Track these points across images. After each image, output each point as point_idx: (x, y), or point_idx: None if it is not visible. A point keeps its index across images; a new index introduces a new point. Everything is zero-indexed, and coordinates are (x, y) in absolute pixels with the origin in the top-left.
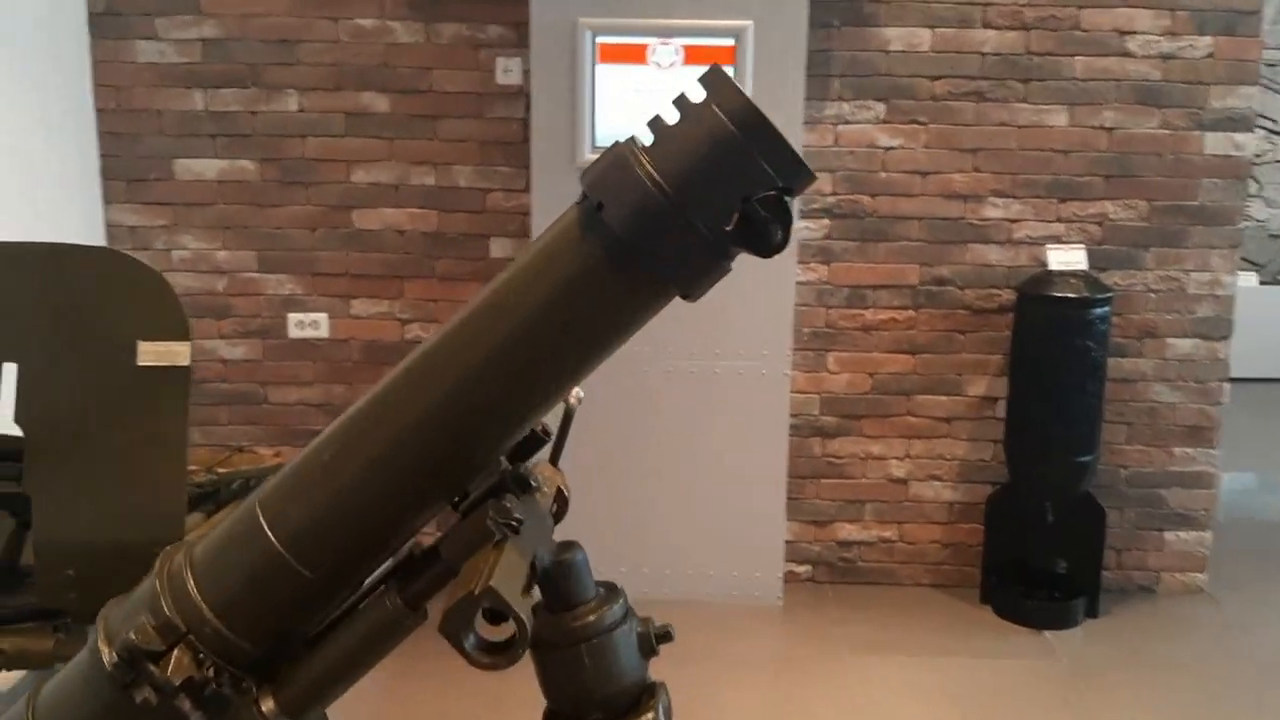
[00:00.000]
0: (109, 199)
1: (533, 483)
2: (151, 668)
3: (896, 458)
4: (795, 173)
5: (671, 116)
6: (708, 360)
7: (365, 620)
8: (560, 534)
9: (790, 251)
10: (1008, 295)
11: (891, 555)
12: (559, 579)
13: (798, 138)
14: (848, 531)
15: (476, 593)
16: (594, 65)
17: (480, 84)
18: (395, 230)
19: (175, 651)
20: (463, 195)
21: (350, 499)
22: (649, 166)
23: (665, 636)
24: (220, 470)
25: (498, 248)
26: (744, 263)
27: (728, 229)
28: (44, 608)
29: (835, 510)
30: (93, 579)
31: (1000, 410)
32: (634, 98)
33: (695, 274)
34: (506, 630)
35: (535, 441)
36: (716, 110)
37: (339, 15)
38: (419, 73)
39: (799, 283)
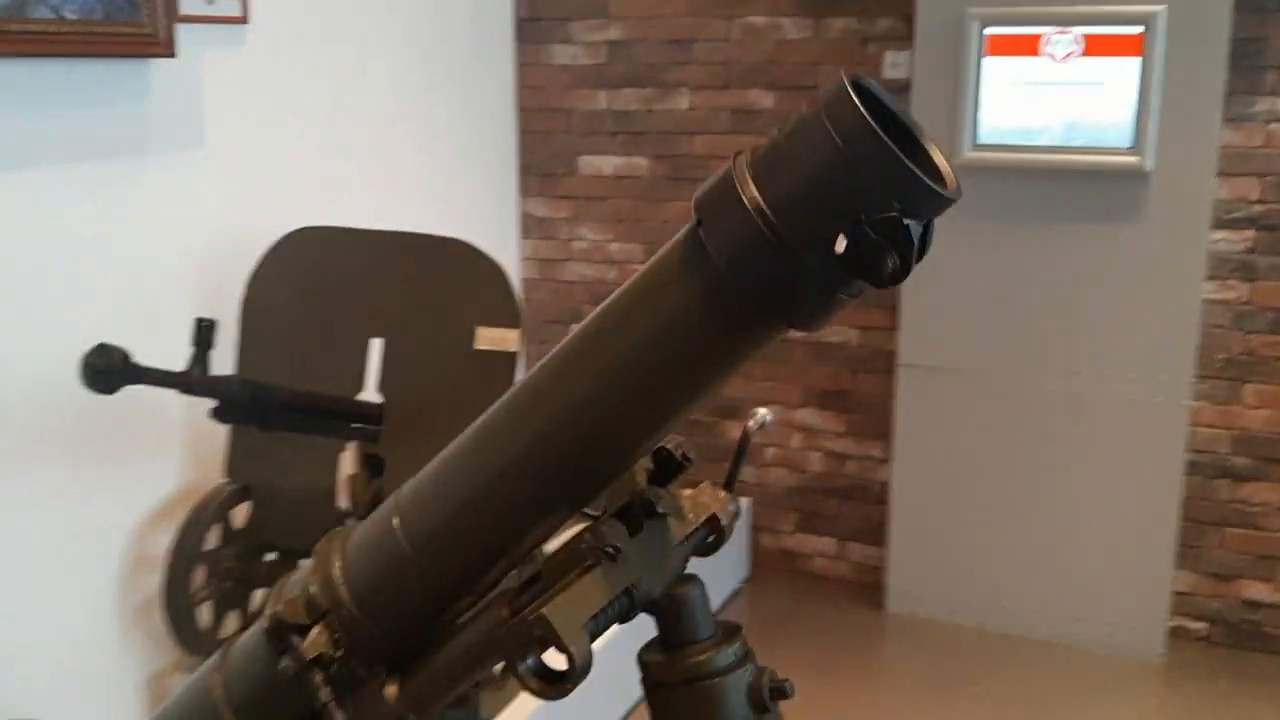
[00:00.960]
0: (524, 191)
1: (660, 509)
2: (295, 639)
3: None
4: (916, 194)
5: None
6: (1091, 382)
7: (475, 628)
8: (921, 559)
9: (1200, 265)
10: None
11: None
12: (668, 613)
13: (1215, 136)
14: (1256, 590)
15: (530, 618)
16: (980, 57)
17: None
18: None
19: (316, 628)
20: None
21: (468, 511)
22: (750, 183)
23: (779, 692)
24: None
25: None
26: (1144, 273)
27: (837, 254)
28: None
29: (1243, 565)
30: None
31: None
32: (1024, 92)
33: (802, 305)
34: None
35: (674, 465)
36: (825, 121)
37: (733, 14)
38: (805, 69)
39: (1210, 300)
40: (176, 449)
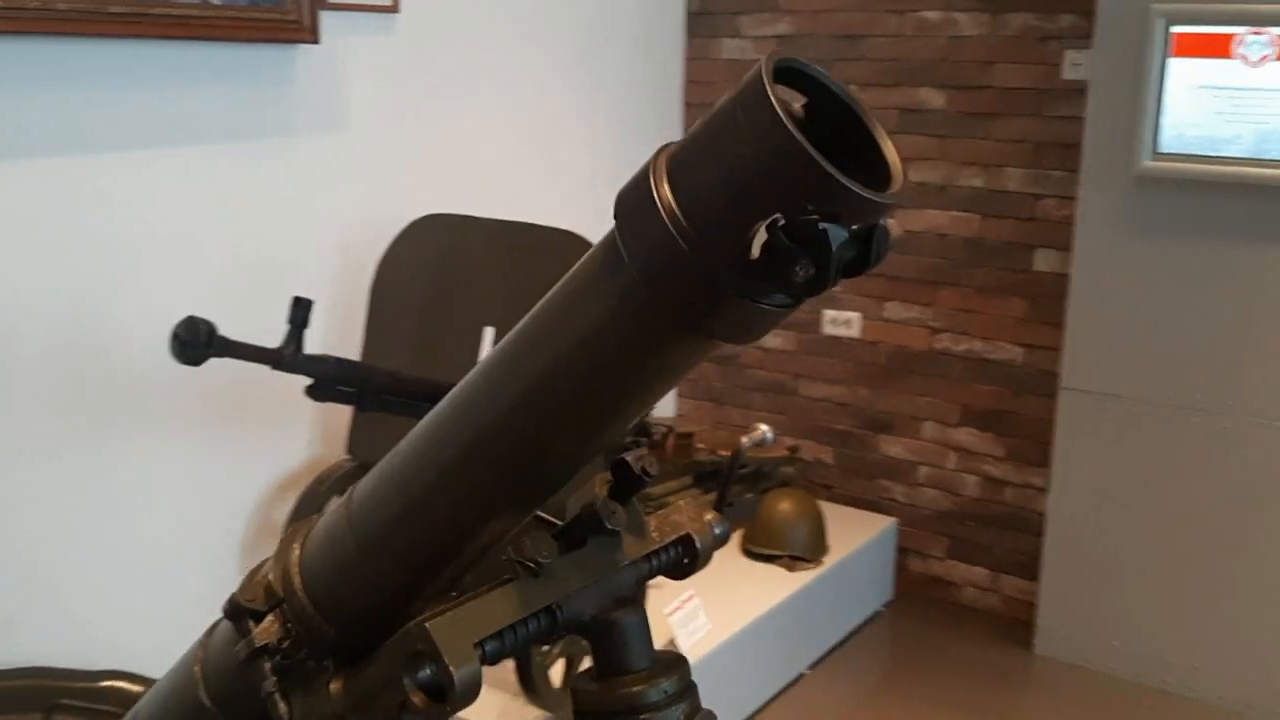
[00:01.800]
0: None
1: (610, 525)
2: (250, 624)
3: None
4: (833, 197)
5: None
6: (1275, 421)
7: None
8: (1075, 599)
9: None
10: None
11: None
12: (602, 639)
13: None
14: None
15: (413, 629)
16: (1165, 58)
17: (1044, 79)
18: (936, 233)
19: (269, 616)
20: (1011, 200)
21: (409, 515)
22: (665, 180)
23: None
24: (722, 452)
25: (1042, 260)
26: None
27: (751, 259)
28: None
29: None
30: None
31: None
32: (1212, 97)
33: (720, 316)
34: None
35: (632, 480)
36: (738, 112)
37: (906, 9)
38: (980, 67)
39: None
40: (307, 426)
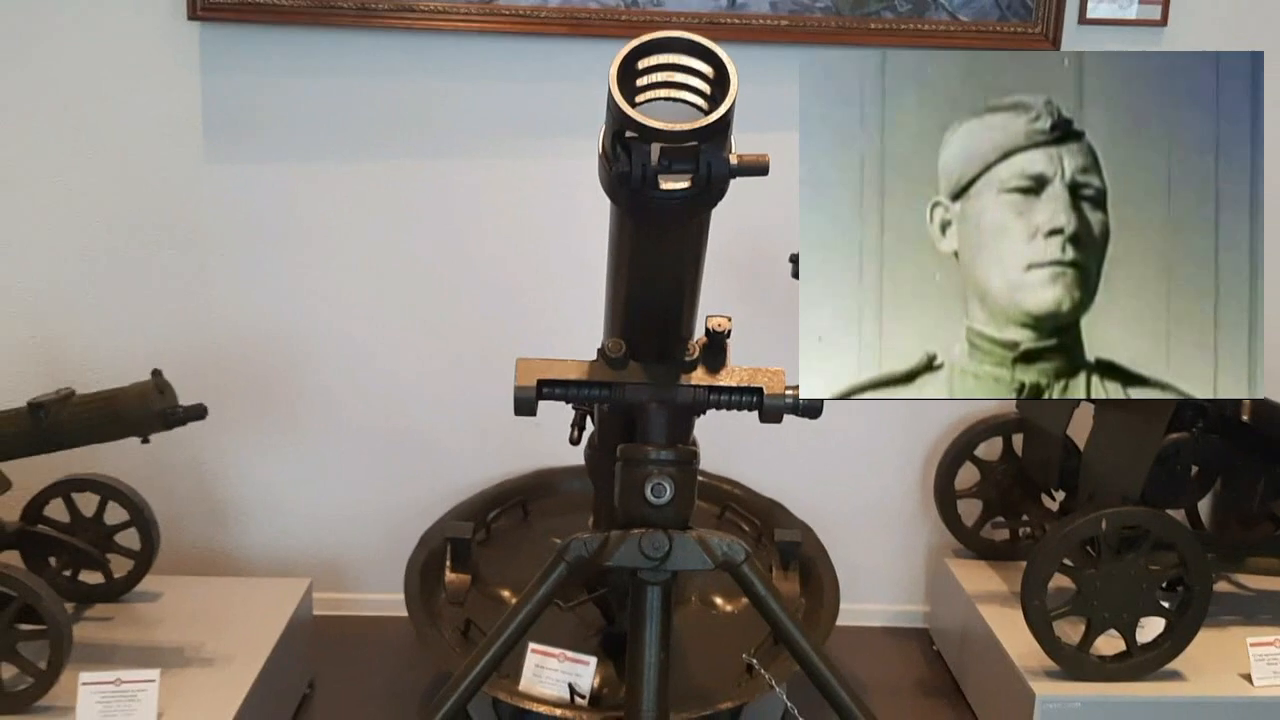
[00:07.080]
0: None
1: (678, 356)
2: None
3: None
4: (628, 121)
5: None
6: None
7: None
8: None
9: None
10: None
11: None
12: (637, 416)
13: None
14: None
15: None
16: None
17: None
18: None
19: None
20: None
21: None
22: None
23: (657, 489)
24: None
25: None
26: None
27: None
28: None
29: None
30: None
31: None
32: None
33: (637, 203)
34: None
35: (714, 334)
36: None
37: None
38: None
39: None
40: None
